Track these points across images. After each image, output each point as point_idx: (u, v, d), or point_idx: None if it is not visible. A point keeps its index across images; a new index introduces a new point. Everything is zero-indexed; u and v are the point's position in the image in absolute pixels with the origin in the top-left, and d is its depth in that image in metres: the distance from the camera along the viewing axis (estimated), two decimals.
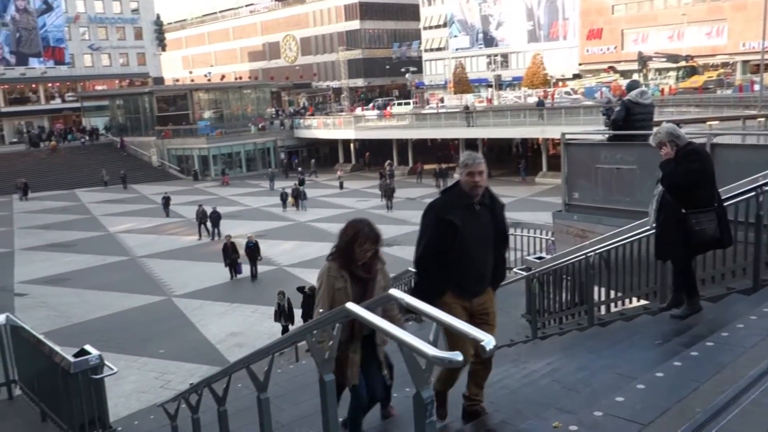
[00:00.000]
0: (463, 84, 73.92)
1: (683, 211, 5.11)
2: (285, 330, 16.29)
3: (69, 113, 69.78)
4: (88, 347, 6.24)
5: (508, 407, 4.20)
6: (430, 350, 2.26)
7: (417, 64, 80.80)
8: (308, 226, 32.69)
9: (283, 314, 16.59)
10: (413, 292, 4.45)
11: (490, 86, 72.26)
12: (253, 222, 34.38)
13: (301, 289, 16.26)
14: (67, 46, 69.84)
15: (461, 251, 4.24)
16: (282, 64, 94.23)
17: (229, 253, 23.42)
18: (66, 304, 21.74)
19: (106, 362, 6.16)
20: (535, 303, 8.00)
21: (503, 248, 4.61)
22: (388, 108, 63.86)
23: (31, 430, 6.55)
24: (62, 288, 23.70)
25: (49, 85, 70.58)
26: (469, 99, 63.85)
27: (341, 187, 44.10)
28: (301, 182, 42.01)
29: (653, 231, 5.66)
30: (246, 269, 23.68)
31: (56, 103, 70.59)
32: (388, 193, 37.02)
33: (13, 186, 44.46)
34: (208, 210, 30.84)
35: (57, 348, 6.21)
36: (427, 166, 48.06)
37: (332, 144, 57.60)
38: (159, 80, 77.20)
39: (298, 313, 16.38)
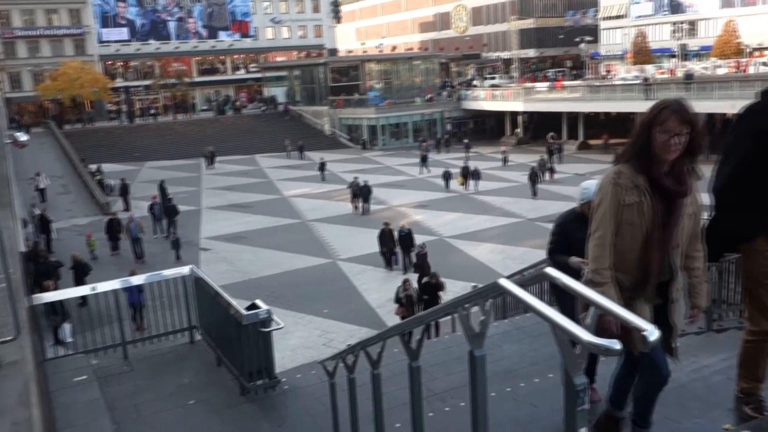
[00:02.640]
0: (643, 54, 69.00)
1: None
2: None
3: (252, 83, 74.74)
4: (258, 302, 6.69)
5: (673, 402, 3.92)
6: (586, 336, 2.13)
7: (592, 32, 76.60)
8: (472, 198, 32.55)
9: (411, 306, 14.79)
10: (711, 235, 3.38)
11: (674, 56, 66.99)
12: (416, 192, 34.89)
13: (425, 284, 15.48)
14: (252, 20, 74.84)
15: None
16: (452, 34, 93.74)
17: (386, 241, 21.67)
18: (243, 261, 23.52)
19: (275, 317, 6.58)
20: (712, 292, 7.38)
21: None
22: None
23: (208, 372, 7.16)
24: (240, 245, 25.62)
25: (235, 56, 75.99)
26: (649, 70, 59.69)
27: (504, 162, 42.70)
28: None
29: None
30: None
31: (240, 74, 75.99)
32: (533, 177, 31.94)
33: (202, 153, 48.43)
34: (362, 182, 30.57)
35: (232, 300, 6.71)
36: (595, 142, 45.89)
37: (499, 116, 56.66)
38: (333, 52, 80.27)
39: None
